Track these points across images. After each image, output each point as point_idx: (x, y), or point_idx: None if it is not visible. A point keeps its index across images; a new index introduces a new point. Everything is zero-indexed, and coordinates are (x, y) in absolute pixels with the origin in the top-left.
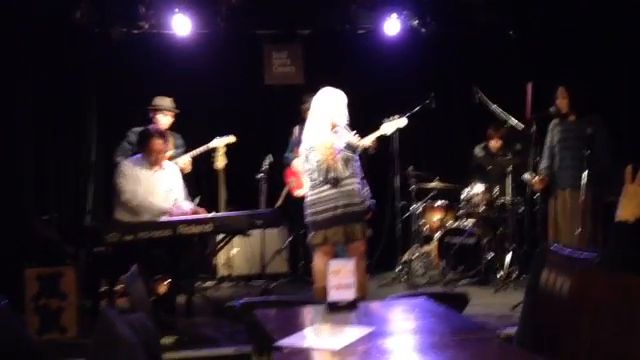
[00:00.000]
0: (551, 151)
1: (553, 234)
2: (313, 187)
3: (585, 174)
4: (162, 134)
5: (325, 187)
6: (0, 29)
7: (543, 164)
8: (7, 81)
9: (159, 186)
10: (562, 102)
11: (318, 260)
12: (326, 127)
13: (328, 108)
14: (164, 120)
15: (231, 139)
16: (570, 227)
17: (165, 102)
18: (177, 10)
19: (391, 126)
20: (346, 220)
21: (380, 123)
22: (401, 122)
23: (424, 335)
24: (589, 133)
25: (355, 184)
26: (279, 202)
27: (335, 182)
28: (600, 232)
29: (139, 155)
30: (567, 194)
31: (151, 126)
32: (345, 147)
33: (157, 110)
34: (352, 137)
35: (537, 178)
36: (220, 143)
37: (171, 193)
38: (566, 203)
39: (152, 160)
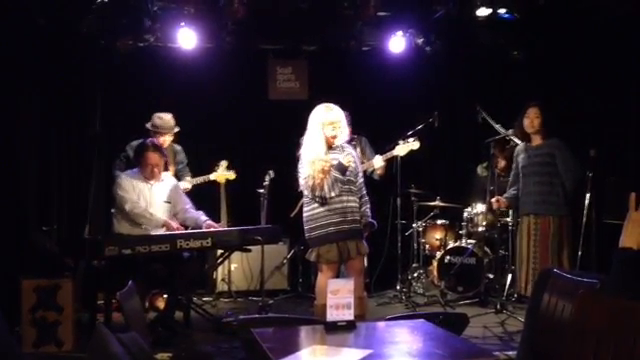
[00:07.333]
0: (516, 177)
1: (518, 260)
2: (307, 204)
3: (549, 199)
4: (157, 147)
5: (316, 205)
6: (5, 40)
7: (510, 188)
8: (11, 92)
9: (157, 198)
10: (535, 121)
11: (322, 277)
12: (318, 143)
13: (324, 125)
14: (163, 139)
15: (231, 175)
16: (534, 253)
17: (164, 122)
18: (183, 24)
19: (404, 148)
20: (339, 238)
21: (390, 143)
22: (415, 145)
23: (423, 359)
24: (549, 159)
25: (347, 202)
26: (294, 212)
27: (322, 201)
28: (568, 255)
29: (135, 169)
30: (531, 220)
31: (148, 139)
32: (335, 167)
33: (156, 132)
34: (343, 158)
35: (495, 198)
36: (220, 177)
37: (169, 206)
38: (530, 229)
39: (147, 173)
